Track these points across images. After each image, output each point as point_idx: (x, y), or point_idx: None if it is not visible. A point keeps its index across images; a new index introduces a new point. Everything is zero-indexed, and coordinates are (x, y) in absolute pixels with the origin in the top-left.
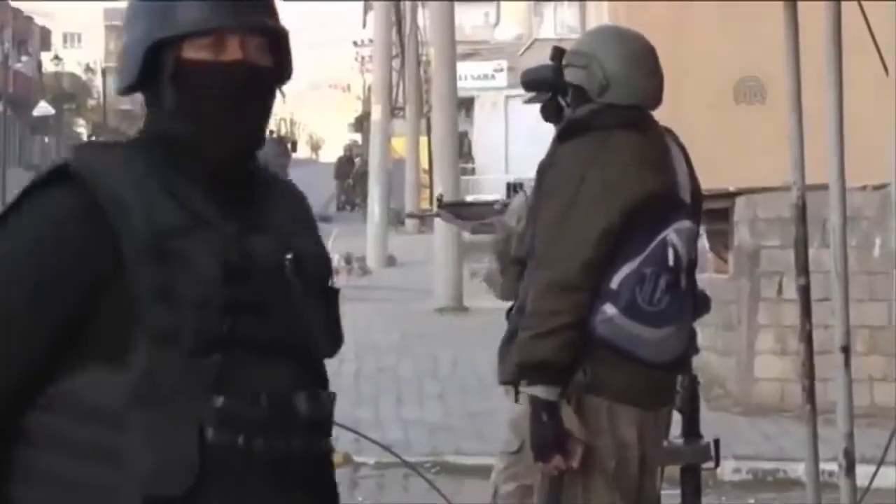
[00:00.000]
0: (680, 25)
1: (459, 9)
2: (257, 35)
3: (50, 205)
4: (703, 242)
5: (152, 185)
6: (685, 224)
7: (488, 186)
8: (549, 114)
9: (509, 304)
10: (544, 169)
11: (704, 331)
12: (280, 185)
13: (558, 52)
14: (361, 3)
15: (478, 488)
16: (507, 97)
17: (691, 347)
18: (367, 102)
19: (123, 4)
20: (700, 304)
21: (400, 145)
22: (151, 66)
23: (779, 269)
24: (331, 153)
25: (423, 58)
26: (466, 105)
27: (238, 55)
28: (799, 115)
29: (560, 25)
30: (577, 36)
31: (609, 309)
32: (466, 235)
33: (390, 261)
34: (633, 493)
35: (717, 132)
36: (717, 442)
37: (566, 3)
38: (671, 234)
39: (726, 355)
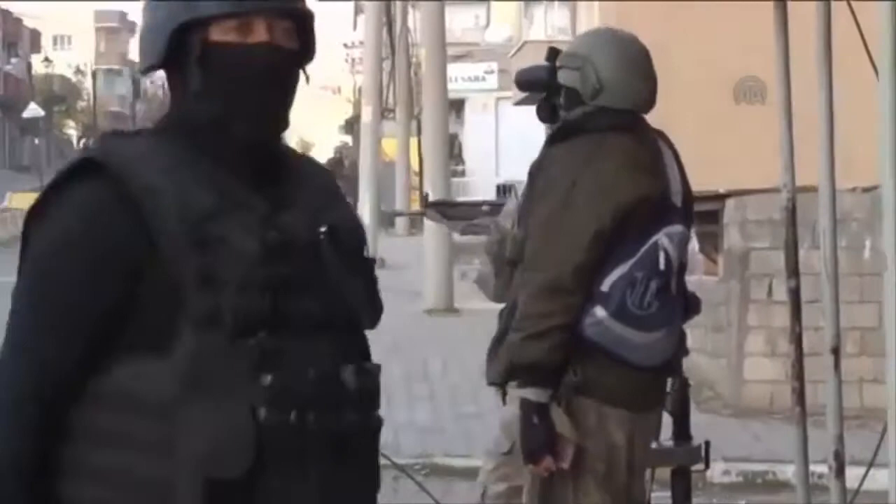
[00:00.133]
0: (671, 26)
1: (450, 11)
2: (284, 18)
3: (79, 199)
4: (694, 244)
5: (182, 171)
6: (677, 228)
7: (478, 188)
8: (544, 114)
9: (501, 305)
10: (536, 171)
11: (694, 333)
12: (303, 161)
13: (553, 53)
14: (352, 5)
15: (467, 490)
16: (498, 99)
17: (681, 350)
18: (357, 104)
19: (114, 6)
20: (690, 305)
21: (390, 147)
22: (176, 47)
23: (769, 271)
24: (321, 155)
25: (414, 60)
26: (457, 107)
27: (265, 37)
28: (789, 118)
29: (550, 27)
30: (568, 38)
31: (599, 312)
32: (456, 237)
33: (380, 262)
34: (622, 495)
35: (717, 132)
36: (707, 444)
37: (556, 4)
38: (662, 238)
39: (716, 357)
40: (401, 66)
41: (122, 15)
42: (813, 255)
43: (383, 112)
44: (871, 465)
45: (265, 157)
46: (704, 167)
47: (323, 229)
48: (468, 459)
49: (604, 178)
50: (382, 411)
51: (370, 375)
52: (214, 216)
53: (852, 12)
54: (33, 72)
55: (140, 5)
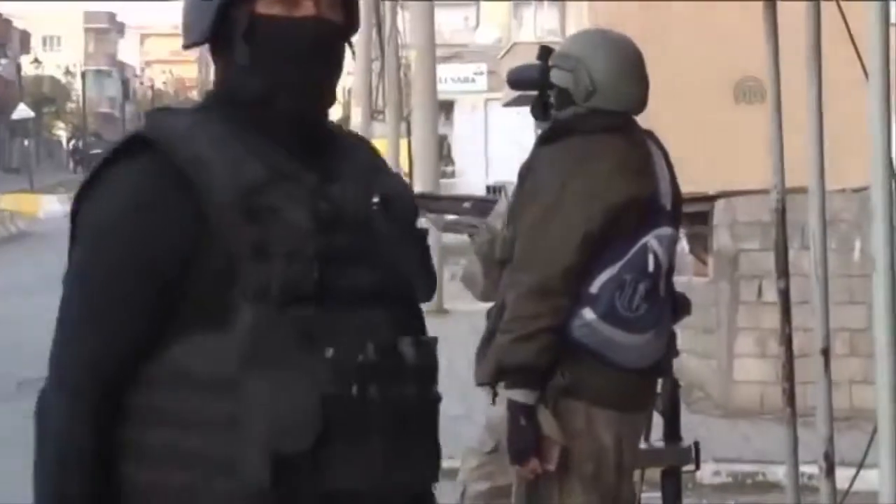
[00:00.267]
0: (659, 26)
1: (439, 12)
2: None
3: (128, 177)
4: (683, 245)
5: (230, 144)
6: (665, 230)
7: (468, 189)
8: (538, 111)
9: (489, 305)
10: (526, 172)
11: (684, 334)
12: (346, 135)
13: (545, 52)
14: None
15: (451, 490)
16: (487, 100)
17: (671, 351)
18: (346, 105)
19: (103, 7)
20: (680, 306)
21: (380, 148)
22: (221, 21)
23: (758, 272)
24: None
25: (403, 61)
26: (446, 108)
27: (311, 11)
28: (779, 119)
29: (540, 29)
30: (557, 39)
31: (588, 313)
32: (445, 238)
33: None
34: (610, 497)
35: (717, 132)
36: (697, 445)
37: (546, 5)
38: (652, 240)
39: (706, 358)
40: (390, 68)
41: (112, 16)
42: (802, 257)
43: (373, 113)
44: (861, 465)
45: (312, 130)
46: (704, 167)
47: (376, 200)
48: (458, 461)
49: (594, 179)
50: None
51: (428, 347)
52: (264, 187)
53: (841, 12)
54: (23, 73)
55: (129, 6)
